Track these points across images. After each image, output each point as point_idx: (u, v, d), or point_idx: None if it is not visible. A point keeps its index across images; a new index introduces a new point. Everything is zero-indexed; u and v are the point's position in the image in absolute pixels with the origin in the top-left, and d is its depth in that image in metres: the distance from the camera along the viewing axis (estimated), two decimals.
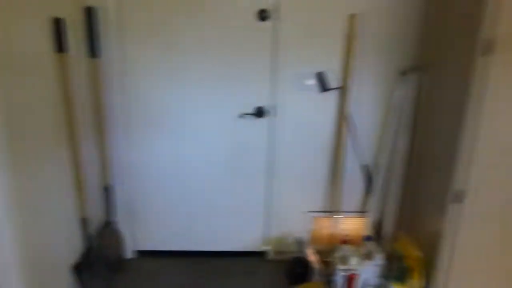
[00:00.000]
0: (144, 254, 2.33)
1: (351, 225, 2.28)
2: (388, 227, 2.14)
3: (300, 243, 2.16)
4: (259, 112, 2.09)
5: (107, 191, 2.08)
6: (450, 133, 1.64)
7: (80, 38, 1.86)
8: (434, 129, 1.83)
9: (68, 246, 1.84)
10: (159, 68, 2.01)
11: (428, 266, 1.77)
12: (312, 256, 2.07)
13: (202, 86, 2.05)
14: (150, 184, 2.20)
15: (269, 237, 2.31)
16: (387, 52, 2.05)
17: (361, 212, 2.29)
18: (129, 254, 2.30)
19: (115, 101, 2.03)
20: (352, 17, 1.98)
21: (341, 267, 1.89)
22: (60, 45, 1.65)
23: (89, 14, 1.85)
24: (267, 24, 1.99)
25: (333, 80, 2.07)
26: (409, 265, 1.79)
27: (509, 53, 1.44)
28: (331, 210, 2.27)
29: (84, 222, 1.92)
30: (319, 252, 2.24)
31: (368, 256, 1.96)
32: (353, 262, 1.89)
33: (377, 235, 2.23)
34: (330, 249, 2.19)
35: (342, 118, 2.10)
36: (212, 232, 2.31)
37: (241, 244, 2.34)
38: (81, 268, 1.86)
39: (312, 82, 2.07)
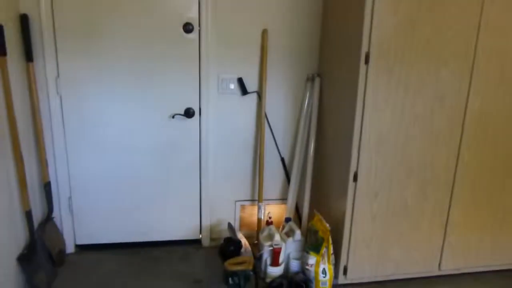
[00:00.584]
0: (85, 248, 2.49)
1: (274, 209, 2.64)
2: (305, 208, 2.52)
3: (231, 229, 2.47)
4: (189, 113, 2.36)
5: (46, 188, 2.23)
6: (345, 126, 2.05)
7: (16, 43, 2.00)
8: (334, 124, 2.23)
9: (12, 238, 1.95)
10: (91, 75, 2.21)
11: (337, 235, 2.17)
12: (242, 238, 2.39)
13: (136, 90, 2.27)
14: (89, 181, 2.38)
15: (204, 225, 2.59)
16: (295, 61, 2.43)
17: (282, 198, 2.65)
18: (70, 248, 2.45)
19: (51, 103, 2.19)
20: (264, 32, 2.33)
21: (267, 243, 2.23)
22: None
23: (24, 21, 2.01)
24: (192, 35, 2.27)
25: (251, 85, 2.41)
26: (322, 236, 2.17)
27: (379, 61, 1.86)
28: (257, 198, 2.61)
29: (27, 215, 2.05)
30: (248, 236, 2.56)
31: (289, 233, 2.32)
32: (277, 238, 2.23)
33: (296, 216, 2.61)
34: (257, 231, 2.53)
35: (261, 118, 2.44)
36: (150, 224, 2.53)
37: (178, 233, 2.59)
38: (25, 260, 1.98)
39: (234, 86, 2.39)
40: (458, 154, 2.10)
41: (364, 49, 1.85)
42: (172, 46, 2.25)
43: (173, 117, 2.36)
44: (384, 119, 1.95)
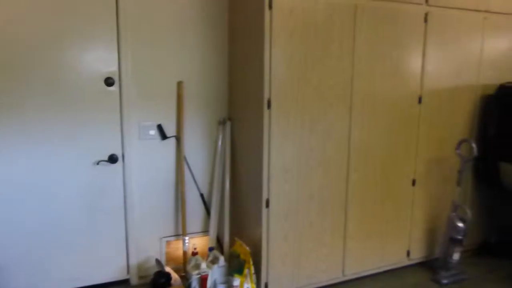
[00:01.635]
0: None
1: (197, 241, 2.87)
2: (226, 237, 2.79)
3: (159, 264, 2.63)
4: (112, 159, 2.53)
5: None
6: (255, 161, 2.41)
7: None
8: (246, 160, 2.58)
9: None
10: (13, 130, 2.30)
11: (257, 256, 2.47)
12: (171, 271, 2.57)
13: (61, 140, 2.39)
14: (9, 228, 2.39)
15: (131, 264, 2.71)
16: (208, 107, 2.77)
17: (204, 231, 2.90)
18: None
19: None
20: (179, 83, 2.64)
21: (194, 272, 2.45)
22: None
23: None
24: (113, 88, 2.48)
25: (170, 130, 2.68)
26: (244, 259, 2.46)
27: (279, 106, 2.28)
28: (181, 233, 2.82)
29: None
30: (175, 269, 2.74)
31: (213, 261, 2.57)
32: (203, 266, 2.46)
33: (218, 244, 2.87)
34: (184, 264, 2.73)
35: (180, 159, 2.70)
36: (76, 269, 2.58)
37: (106, 276, 2.67)
38: None
39: (154, 132, 2.63)
40: (347, 177, 2.57)
41: (266, 97, 2.25)
42: (95, 99, 2.44)
43: (97, 163, 2.51)
44: (287, 152, 2.35)
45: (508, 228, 3.21)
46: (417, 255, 2.95)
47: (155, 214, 2.74)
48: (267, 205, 2.36)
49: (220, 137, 2.78)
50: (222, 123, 2.79)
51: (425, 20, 2.62)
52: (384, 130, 2.63)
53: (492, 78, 2.93)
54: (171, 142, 2.70)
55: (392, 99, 2.61)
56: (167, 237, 2.80)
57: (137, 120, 2.58)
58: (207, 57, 2.72)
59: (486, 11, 2.84)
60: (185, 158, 2.74)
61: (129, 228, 2.66)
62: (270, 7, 2.17)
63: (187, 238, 2.76)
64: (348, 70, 2.44)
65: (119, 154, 2.56)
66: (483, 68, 2.90)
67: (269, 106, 2.26)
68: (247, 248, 2.39)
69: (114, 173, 2.57)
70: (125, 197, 2.62)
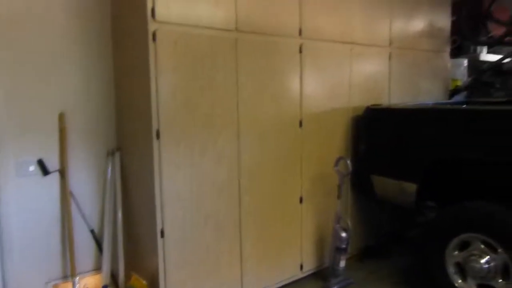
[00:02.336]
0: None
1: (89, 281, 2.71)
2: (121, 272, 2.69)
3: None
4: None
5: None
6: (148, 191, 2.38)
7: None
8: (138, 191, 2.53)
9: None
10: None
11: None
12: None
13: None
14: None
15: None
16: (96, 137, 2.67)
17: (97, 268, 2.75)
18: None
19: None
20: (61, 114, 2.51)
21: None
22: None
23: None
24: None
25: (53, 165, 2.52)
26: None
27: (169, 135, 2.31)
28: (69, 274, 2.63)
29: None
30: None
31: None
32: None
33: (113, 281, 2.74)
34: None
35: (65, 195, 2.55)
36: None
37: None
38: None
39: (34, 168, 2.45)
40: (240, 199, 2.68)
41: (155, 127, 2.26)
42: None
43: None
44: (180, 180, 2.37)
45: (383, 233, 3.62)
46: (310, 267, 3.16)
47: (39, 257, 2.53)
48: (162, 235, 2.35)
49: (110, 168, 2.69)
50: (111, 153, 2.71)
51: (300, 51, 2.89)
52: (271, 152, 2.80)
53: (361, 101, 3.32)
54: (55, 177, 2.54)
55: (276, 123, 2.80)
56: (54, 280, 2.59)
57: (14, 156, 2.38)
58: (92, 86, 2.64)
59: (351, 43, 3.22)
60: (71, 193, 2.59)
61: (7, 276, 2.41)
62: (154, 39, 2.21)
63: (77, 278, 2.59)
64: (233, 99, 2.57)
65: None
66: (353, 92, 3.27)
67: (158, 136, 2.27)
68: (144, 281, 2.34)
69: None
70: (1, 241, 2.38)
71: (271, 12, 2.71)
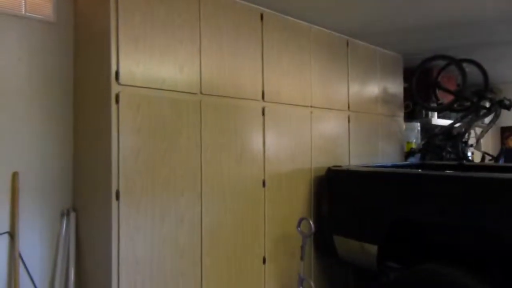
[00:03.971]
0: None
1: None
2: None
3: None
4: None
5: None
6: (104, 256, 2.27)
7: None
8: (94, 254, 2.42)
9: None
10: None
11: None
12: None
13: None
14: None
15: None
16: (49, 197, 2.57)
17: None
18: None
19: None
20: (14, 174, 2.42)
21: None
22: None
23: None
24: None
25: (2, 226, 2.38)
26: None
27: (129, 197, 2.26)
28: None
29: None
30: None
31: None
32: None
33: None
34: None
35: (14, 258, 2.39)
36: None
37: None
38: None
39: None
40: (201, 261, 2.60)
41: (114, 188, 2.21)
42: None
43: None
44: (138, 243, 2.29)
45: None
46: None
47: None
48: None
49: (64, 229, 2.57)
50: (66, 214, 2.60)
51: (263, 114, 2.98)
52: (234, 213, 2.78)
53: (322, 162, 3.41)
54: (3, 239, 2.39)
55: (239, 184, 2.81)
56: None
57: None
58: (49, 144, 2.58)
59: (312, 106, 3.37)
60: (20, 256, 2.43)
61: None
62: (117, 101, 2.22)
63: None
64: (196, 160, 2.57)
65: None
66: (314, 153, 3.36)
67: (117, 197, 2.21)
68: None
69: None
70: None
71: (235, 76, 2.81)
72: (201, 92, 2.61)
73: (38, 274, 2.52)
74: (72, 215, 2.58)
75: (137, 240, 2.29)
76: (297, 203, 3.22)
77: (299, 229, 3.01)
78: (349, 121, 3.73)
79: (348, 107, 3.73)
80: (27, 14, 2.47)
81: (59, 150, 2.62)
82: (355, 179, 3.13)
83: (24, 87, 2.48)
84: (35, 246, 2.51)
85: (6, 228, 2.40)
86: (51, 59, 2.59)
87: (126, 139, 2.25)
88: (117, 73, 2.22)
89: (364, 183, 3.06)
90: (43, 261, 2.55)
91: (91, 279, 2.45)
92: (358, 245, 3.06)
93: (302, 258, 2.99)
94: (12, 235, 2.40)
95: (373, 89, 4.05)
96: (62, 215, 2.60)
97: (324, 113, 3.49)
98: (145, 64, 2.35)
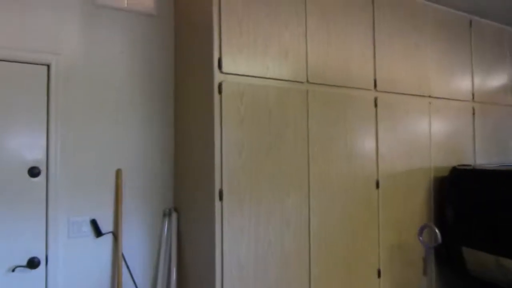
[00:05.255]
0: None
1: None
2: None
3: None
4: (33, 263, 2.11)
5: None
6: (207, 259, 2.10)
7: None
8: (196, 256, 2.26)
9: None
10: None
11: None
12: None
13: None
14: None
15: None
16: (151, 197, 2.48)
17: None
18: None
19: None
20: (118, 171, 2.36)
21: None
22: None
23: None
24: (39, 179, 2.14)
25: (106, 225, 2.33)
26: None
27: (232, 197, 2.05)
28: None
29: None
30: None
31: None
32: None
33: None
34: None
35: (117, 258, 2.33)
36: None
37: None
38: None
39: (86, 229, 2.27)
40: (309, 272, 2.31)
41: (217, 187, 2.02)
42: (14, 193, 2.08)
43: (13, 270, 2.07)
44: (242, 247, 2.08)
45: None
46: None
47: None
48: None
49: (165, 231, 2.46)
50: (167, 214, 2.49)
51: (375, 105, 2.61)
52: (344, 217, 2.46)
53: (443, 161, 2.93)
54: (108, 239, 2.34)
55: (350, 184, 2.48)
56: None
57: (66, 215, 2.22)
58: (151, 142, 2.50)
59: (429, 96, 2.91)
60: (123, 256, 2.37)
61: None
62: (220, 91, 2.04)
63: None
64: (303, 157, 2.30)
65: (41, 256, 2.14)
66: (433, 150, 2.90)
67: (221, 197, 2.02)
68: None
69: (34, 282, 2.13)
70: None
71: (344, 62, 2.49)
72: (307, 81, 2.34)
73: (139, 274, 2.44)
74: (174, 215, 2.46)
75: (241, 243, 2.08)
76: (414, 207, 2.79)
77: (420, 238, 2.58)
78: (473, 113, 3.18)
79: (473, 97, 3.19)
80: (129, 7, 2.41)
81: (161, 146, 2.52)
82: (489, 181, 2.60)
83: (126, 80, 2.42)
84: (137, 247, 2.43)
85: (110, 227, 2.35)
86: (152, 52, 2.51)
87: (230, 132, 2.05)
88: (219, 61, 2.04)
89: (500, 186, 2.53)
90: (145, 262, 2.46)
91: (192, 281, 2.29)
92: (493, 260, 2.54)
93: (424, 273, 2.55)
94: (115, 235, 2.34)
95: (502, 76, 3.44)
96: (164, 215, 2.50)
97: (444, 104, 3.00)
98: (249, 50, 2.14)
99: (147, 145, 2.48)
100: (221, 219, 2.02)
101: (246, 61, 2.13)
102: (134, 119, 2.45)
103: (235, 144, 2.07)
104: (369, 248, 2.56)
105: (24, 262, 2.10)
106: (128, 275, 2.39)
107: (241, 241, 2.08)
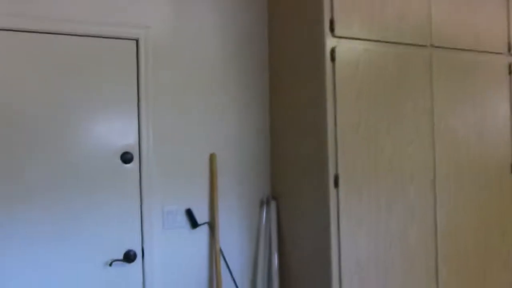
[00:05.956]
0: None
1: None
2: None
3: None
4: (129, 257, 1.96)
5: None
6: (318, 255, 1.81)
7: None
8: (301, 253, 1.99)
9: None
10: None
11: None
12: None
13: (62, 235, 1.84)
14: None
15: None
16: (247, 184, 2.24)
17: None
18: None
19: None
20: (212, 156, 2.14)
21: None
22: None
23: None
24: (132, 165, 1.98)
25: (201, 215, 2.12)
26: None
27: (349, 183, 1.74)
28: None
29: None
30: None
31: None
32: None
33: None
34: None
35: (215, 252, 2.12)
36: None
37: None
38: None
39: (181, 219, 2.08)
40: (436, 272, 1.95)
41: (332, 172, 1.72)
42: (106, 181, 1.93)
43: (110, 264, 1.93)
44: (361, 242, 1.77)
45: None
46: None
47: None
48: None
49: (264, 221, 2.22)
50: (265, 203, 2.24)
51: (510, 72, 2.16)
52: (475, 209, 2.06)
53: None
54: (203, 230, 2.14)
55: (481, 167, 2.07)
56: None
57: (160, 205, 2.05)
58: (245, 124, 2.25)
59: None
60: (220, 250, 2.16)
61: None
62: (333, 58, 1.72)
63: None
64: (427, 134, 1.93)
65: (137, 249, 1.99)
66: None
67: (336, 183, 1.72)
68: None
69: (130, 276, 1.97)
70: None
71: (470, 22, 2.07)
72: (431, 44, 1.95)
73: (237, 267, 2.21)
74: (273, 204, 2.20)
75: (360, 238, 1.77)
76: None
77: None
78: None
79: None
80: None
81: (256, 127, 2.27)
82: None
83: (218, 56, 2.18)
84: (233, 239, 2.21)
85: (206, 217, 2.14)
86: (245, 25, 2.23)
87: (345, 107, 1.74)
88: (332, 23, 1.72)
89: None
90: (242, 253, 2.23)
91: (297, 276, 2.03)
92: None
93: None
94: (212, 226, 2.13)
95: None
96: (261, 203, 2.25)
97: None
98: (365, 9, 1.79)
99: (241, 127, 2.24)
100: (337, 209, 1.72)
101: (361, 22, 1.79)
102: (227, 99, 2.21)
103: (351, 122, 1.76)
104: (505, 247, 2.14)
105: (121, 256, 1.95)
106: (225, 269, 2.18)
107: (360, 234, 1.77)
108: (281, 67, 2.15)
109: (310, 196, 1.87)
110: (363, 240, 1.78)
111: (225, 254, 2.18)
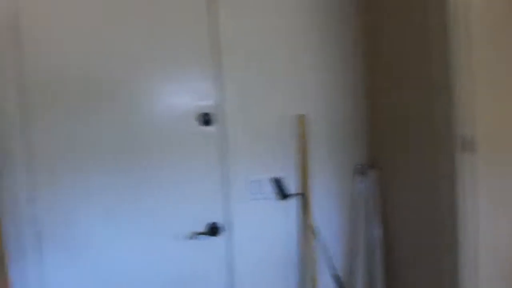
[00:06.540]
0: None
1: None
2: None
3: None
4: (213, 230, 1.77)
5: None
6: (440, 240, 1.47)
7: None
8: (405, 220, 1.66)
9: None
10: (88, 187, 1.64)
11: None
12: None
13: (140, 206, 1.68)
14: None
15: None
16: (340, 150, 1.94)
17: None
18: None
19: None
20: (300, 117, 1.83)
21: None
22: None
23: None
24: (211, 129, 1.76)
25: (291, 185, 1.86)
26: None
27: (483, 154, 1.35)
28: None
29: None
30: None
31: None
32: None
33: None
34: None
35: (308, 227, 1.86)
36: None
37: None
38: None
39: (268, 189, 1.83)
40: None
41: (459, 133, 1.34)
42: (185, 145, 1.72)
43: (191, 237, 1.75)
44: (502, 229, 1.39)
45: None
46: None
47: None
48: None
49: (362, 194, 1.90)
50: (361, 172, 1.92)
51: None
52: None
53: None
54: (291, 202, 1.88)
55: None
56: None
57: (244, 173, 1.81)
58: (338, 82, 1.91)
59: None
60: (313, 225, 1.89)
61: None
62: None
63: None
64: None
65: (221, 221, 1.79)
66: None
67: (466, 148, 1.34)
68: None
69: (215, 251, 1.79)
70: (228, 282, 1.82)
71: None
72: None
73: (332, 240, 1.95)
74: (372, 173, 1.87)
75: (501, 223, 1.39)
76: None
77: None
78: None
79: None
80: None
81: (351, 82, 1.93)
82: None
83: (304, 16, 1.86)
84: (326, 214, 1.93)
85: (295, 187, 1.87)
86: None
87: (476, 43, 1.33)
88: None
89: None
90: (336, 233, 1.96)
91: (412, 274, 1.71)
92: None
93: None
94: (304, 197, 1.86)
95: None
96: (355, 172, 1.93)
97: None
98: None
99: (337, 84, 1.91)
100: (472, 181, 1.35)
101: None
102: (315, 51, 1.89)
103: (487, 67, 1.34)
104: None
105: (204, 228, 1.76)
106: (317, 248, 1.91)
107: (501, 218, 1.38)
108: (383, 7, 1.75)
109: (422, 164, 1.52)
110: (506, 226, 1.39)
111: (316, 230, 1.91)
